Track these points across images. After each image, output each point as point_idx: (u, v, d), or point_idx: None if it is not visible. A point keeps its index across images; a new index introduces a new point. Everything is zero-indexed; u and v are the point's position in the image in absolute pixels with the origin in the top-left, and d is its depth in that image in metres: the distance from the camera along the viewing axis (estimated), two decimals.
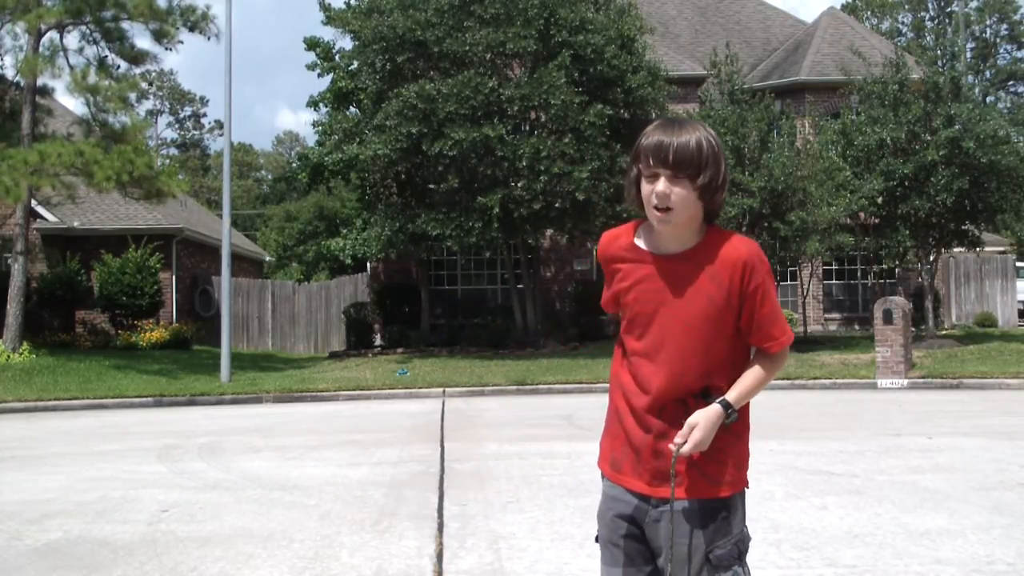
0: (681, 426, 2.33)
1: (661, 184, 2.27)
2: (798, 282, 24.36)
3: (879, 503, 6.16)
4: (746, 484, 2.42)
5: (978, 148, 18.75)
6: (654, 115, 21.67)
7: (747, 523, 2.44)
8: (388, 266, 25.36)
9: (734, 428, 2.39)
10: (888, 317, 15.80)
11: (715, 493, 2.35)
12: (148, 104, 63.72)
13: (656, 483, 2.37)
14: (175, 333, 23.31)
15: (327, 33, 79.21)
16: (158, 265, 23.72)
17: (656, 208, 2.29)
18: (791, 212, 18.74)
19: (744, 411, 2.42)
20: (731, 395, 2.35)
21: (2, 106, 22.24)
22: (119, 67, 21.79)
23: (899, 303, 16.40)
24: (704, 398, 2.34)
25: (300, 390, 16.40)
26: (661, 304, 2.35)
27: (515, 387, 16.12)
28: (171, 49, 22.62)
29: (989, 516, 5.74)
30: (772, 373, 2.42)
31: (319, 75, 26.96)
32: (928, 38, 51.36)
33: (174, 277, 25.46)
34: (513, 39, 19.30)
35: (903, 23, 58.64)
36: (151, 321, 23.77)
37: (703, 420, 2.30)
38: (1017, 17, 57.24)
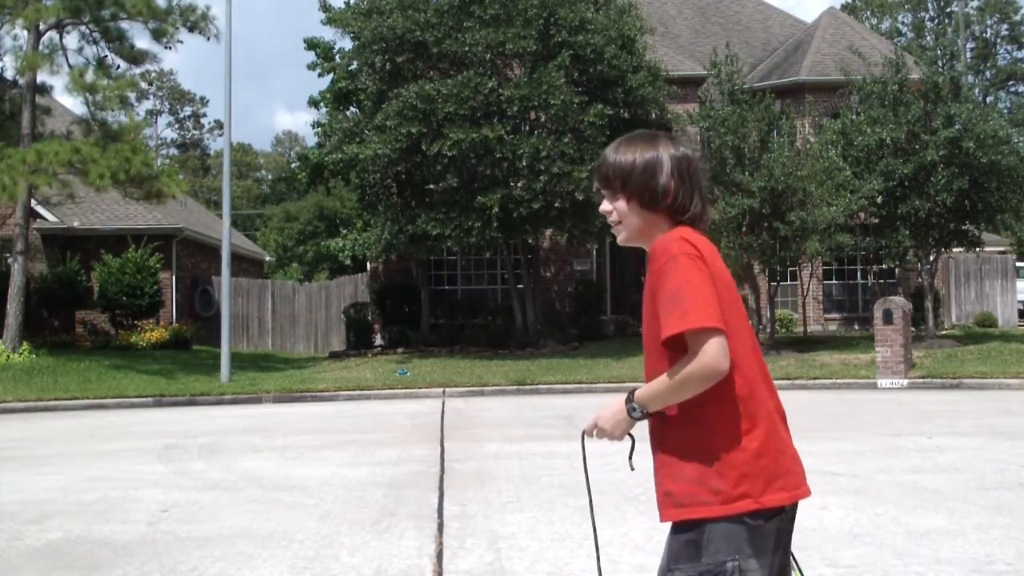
0: (656, 442, 2.27)
1: (603, 203, 2.35)
2: (798, 282, 24.36)
3: (879, 503, 6.16)
4: (725, 512, 2.12)
5: (978, 148, 18.74)
6: (654, 115, 21.70)
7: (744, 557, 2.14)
8: (388, 266, 25.35)
9: (695, 441, 2.17)
10: (888, 317, 15.80)
11: (673, 516, 2.19)
12: (148, 104, 63.67)
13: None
14: (175, 333, 23.31)
15: (327, 33, 79.22)
16: (158, 265, 23.71)
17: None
18: (791, 212, 18.74)
19: (708, 426, 2.16)
20: (640, 390, 2.24)
21: (1, 106, 22.24)
22: (118, 67, 21.81)
23: (899, 303, 16.39)
24: (659, 413, 2.23)
25: (300, 390, 16.40)
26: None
27: (515, 387, 16.11)
28: (171, 48, 22.64)
29: (989, 516, 5.74)
30: (685, 375, 2.12)
31: (319, 75, 27.02)
32: (928, 38, 51.36)
33: (174, 277, 25.44)
34: (513, 39, 19.30)
35: (903, 23, 58.61)
36: (151, 321, 23.76)
37: (605, 406, 2.31)
38: (1017, 17, 57.22)
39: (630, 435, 2.32)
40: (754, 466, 2.15)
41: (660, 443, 2.25)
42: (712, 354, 2.09)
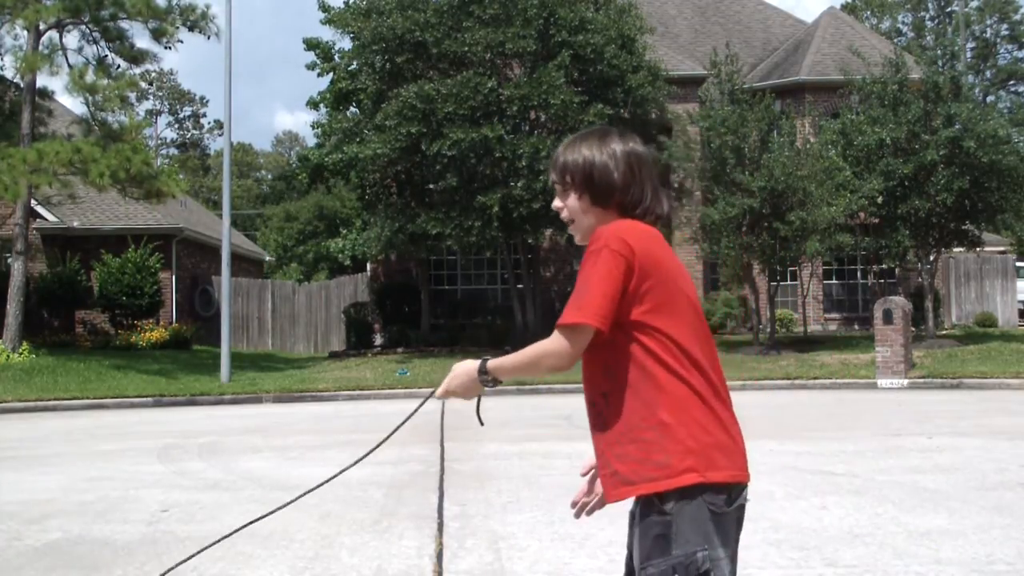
0: (598, 425, 2.25)
1: (556, 200, 2.38)
2: (798, 282, 24.35)
3: (879, 503, 6.16)
4: (673, 485, 2.10)
5: (978, 148, 18.75)
6: (654, 115, 21.68)
7: (708, 536, 2.10)
8: (388, 266, 25.36)
9: (640, 419, 2.15)
10: (888, 317, 15.80)
11: (622, 495, 2.17)
12: (148, 104, 63.68)
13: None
14: (175, 333, 23.30)
15: (327, 33, 79.20)
16: (158, 265, 23.71)
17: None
18: (791, 212, 18.74)
19: (651, 404, 2.15)
20: (494, 360, 2.33)
21: (2, 106, 22.23)
22: (118, 66, 21.83)
23: (899, 303, 16.39)
24: (604, 397, 2.23)
25: (300, 390, 16.40)
26: None
27: (515, 387, 16.11)
28: (170, 47, 22.67)
29: (989, 516, 5.73)
30: (538, 356, 2.26)
31: (319, 75, 26.99)
32: (928, 38, 51.33)
33: (174, 277, 25.44)
34: (512, 39, 19.30)
35: (903, 23, 58.60)
36: (151, 321, 23.75)
37: (457, 367, 2.37)
38: (1017, 17, 57.18)
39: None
40: (698, 441, 2.13)
41: (603, 425, 2.24)
42: (568, 353, 2.22)
